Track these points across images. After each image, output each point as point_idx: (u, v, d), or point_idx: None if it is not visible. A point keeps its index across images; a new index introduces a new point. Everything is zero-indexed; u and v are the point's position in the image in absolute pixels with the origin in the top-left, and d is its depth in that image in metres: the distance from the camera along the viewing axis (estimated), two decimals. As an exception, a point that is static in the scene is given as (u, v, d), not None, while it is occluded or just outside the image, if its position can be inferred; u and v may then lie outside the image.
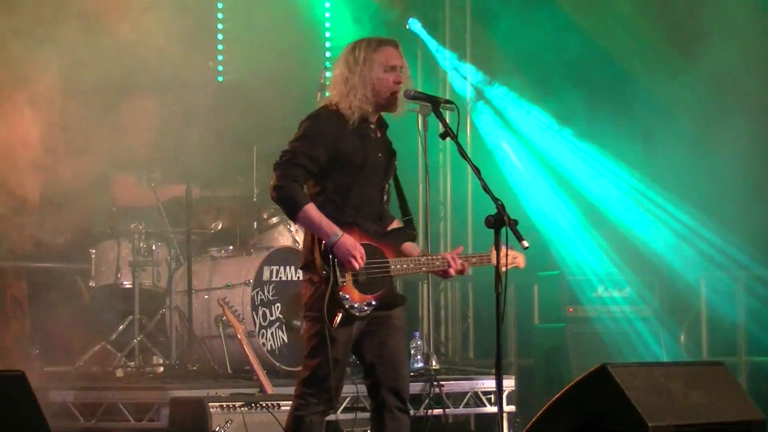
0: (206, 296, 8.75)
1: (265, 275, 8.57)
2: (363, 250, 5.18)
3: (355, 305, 5.21)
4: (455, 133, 5.27)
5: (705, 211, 9.79)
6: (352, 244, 5.16)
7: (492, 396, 8.59)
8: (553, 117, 10.57)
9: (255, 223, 9.17)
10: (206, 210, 9.27)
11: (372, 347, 5.34)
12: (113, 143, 8.65)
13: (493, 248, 5.16)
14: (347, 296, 5.19)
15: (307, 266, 5.27)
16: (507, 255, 5.16)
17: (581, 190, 10.45)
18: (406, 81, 5.38)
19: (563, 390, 5.28)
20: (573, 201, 10.51)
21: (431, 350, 9.23)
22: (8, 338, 8.47)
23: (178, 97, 8.91)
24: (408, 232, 5.46)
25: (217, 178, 9.46)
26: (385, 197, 5.44)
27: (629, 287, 9.61)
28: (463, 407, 8.65)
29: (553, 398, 5.27)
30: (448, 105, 5.41)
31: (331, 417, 6.43)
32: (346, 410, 7.77)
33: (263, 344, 8.39)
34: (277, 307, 8.58)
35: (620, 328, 9.48)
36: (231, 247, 9.07)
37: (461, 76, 11.06)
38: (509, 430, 8.64)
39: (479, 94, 10.86)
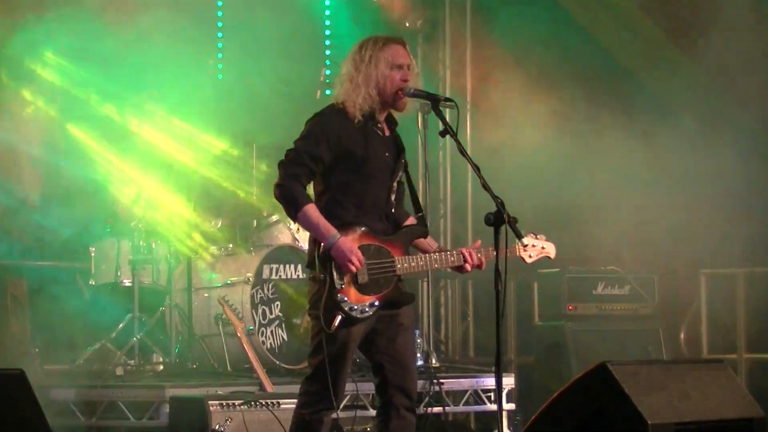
0: (206, 294, 8.75)
1: (265, 273, 8.57)
2: (360, 253, 5.17)
3: (356, 306, 5.21)
4: (455, 130, 5.27)
5: (705, 207, 9.78)
6: (348, 248, 5.15)
7: (492, 394, 8.59)
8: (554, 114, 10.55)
9: (255, 221, 9.17)
10: (206, 208, 9.27)
11: (380, 346, 5.33)
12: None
13: (518, 241, 5.22)
14: (346, 298, 5.18)
15: (311, 264, 5.27)
16: (537, 246, 5.43)
17: (581, 186, 10.43)
18: (414, 79, 5.38)
19: (563, 388, 5.27)
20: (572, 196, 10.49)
21: (431, 348, 9.23)
22: (8, 336, 8.47)
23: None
24: (419, 229, 5.45)
25: (217, 175, 9.47)
26: (394, 196, 5.43)
27: (629, 285, 9.60)
28: (463, 405, 8.66)
29: (553, 396, 5.26)
30: (447, 103, 5.41)
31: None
32: (346, 408, 7.77)
33: (263, 342, 8.39)
34: (277, 305, 8.58)
35: (620, 325, 9.47)
36: (231, 245, 9.07)
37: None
38: (509, 428, 8.64)
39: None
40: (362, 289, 5.22)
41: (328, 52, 10.93)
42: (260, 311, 8.49)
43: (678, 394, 5.23)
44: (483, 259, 5.39)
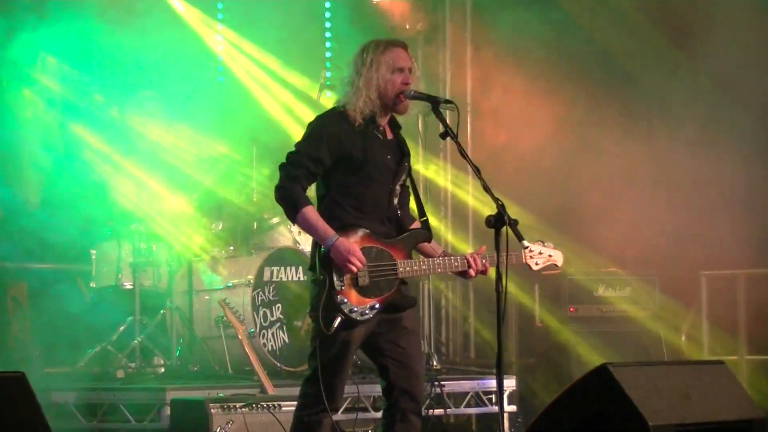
0: (207, 297, 8.76)
1: (266, 276, 8.57)
2: (360, 254, 5.17)
3: (355, 309, 5.20)
4: (455, 132, 5.27)
5: (706, 208, 9.77)
6: (347, 248, 5.15)
7: (493, 396, 8.59)
8: (554, 116, 10.54)
9: (256, 223, 9.17)
10: (207, 210, 9.26)
11: (383, 349, 5.33)
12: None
13: (524, 247, 5.18)
14: (346, 300, 5.18)
15: (313, 267, 5.28)
16: (544, 253, 5.38)
17: (581, 188, 10.43)
18: (415, 82, 5.39)
19: (564, 389, 5.26)
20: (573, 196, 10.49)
21: (432, 350, 9.24)
22: (9, 339, 8.47)
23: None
24: (423, 233, 5.43)
25: (218, 178, 9.46)
26: (396, 199, 5.42)
27: (630, 287, 9.60)
28: (464, 407, 8.65)
29: (554, 398, 5.26)
30: (447, 105, 5.41)
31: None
32: (346, 411, 7.77)
33: (264, 344, 8.39)
34: (278, 307, 8.58)
35: (621, 327, 9.47)
36: (232, 248, 9.07)
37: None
38: (510, 429, 8.64)
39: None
40: (363, 291, 5.22)
41: (328, 54, 10.94)
42: (261, 313, 8.49)
43: (679, 396, 5.23)
44: (487, 265, 5.38)
